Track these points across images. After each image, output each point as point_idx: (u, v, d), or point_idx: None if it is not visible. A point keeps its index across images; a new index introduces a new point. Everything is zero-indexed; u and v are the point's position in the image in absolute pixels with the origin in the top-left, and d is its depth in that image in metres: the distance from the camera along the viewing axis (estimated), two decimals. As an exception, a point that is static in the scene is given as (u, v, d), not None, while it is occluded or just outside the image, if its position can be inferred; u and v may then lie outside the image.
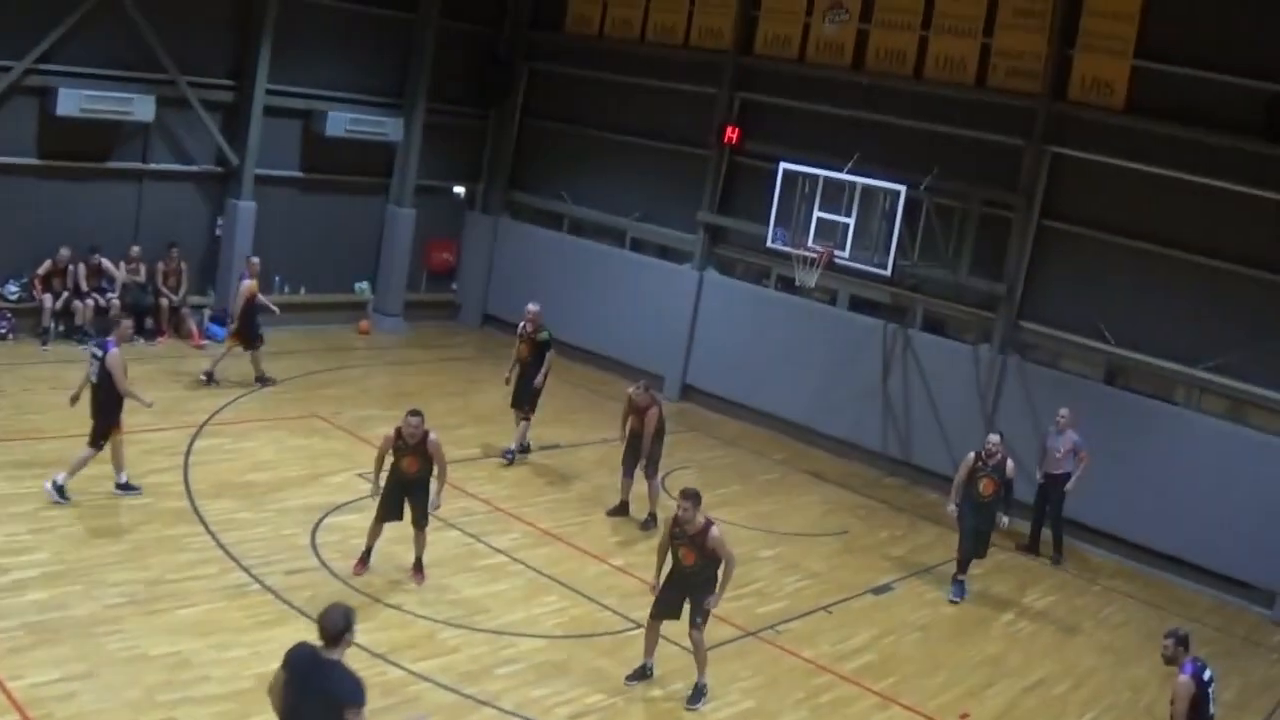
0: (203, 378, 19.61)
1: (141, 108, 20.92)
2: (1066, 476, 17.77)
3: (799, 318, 22.23)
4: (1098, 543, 18.80)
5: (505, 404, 18.76)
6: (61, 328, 20.55)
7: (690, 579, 11.93)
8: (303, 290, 24.21)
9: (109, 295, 20.95)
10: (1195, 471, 17.83)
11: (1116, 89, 18.76)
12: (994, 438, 15.90)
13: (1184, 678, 10.38)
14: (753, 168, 22.56)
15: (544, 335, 18.48)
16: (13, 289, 20.53)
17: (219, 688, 10.75)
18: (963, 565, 16.02)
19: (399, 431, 13.33)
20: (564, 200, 26.03)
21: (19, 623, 11.19)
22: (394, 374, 22.84)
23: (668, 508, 16.42)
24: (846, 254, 19.43)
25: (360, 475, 15.28)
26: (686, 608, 12.03)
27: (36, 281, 20.44)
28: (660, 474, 17.17)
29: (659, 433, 16.61)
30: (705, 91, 23.44)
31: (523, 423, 18.63)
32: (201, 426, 17.56)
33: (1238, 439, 17.74)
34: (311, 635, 7.79)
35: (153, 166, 22.07)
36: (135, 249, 21.50)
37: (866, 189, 19.27)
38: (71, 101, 20.15)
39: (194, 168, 22.68)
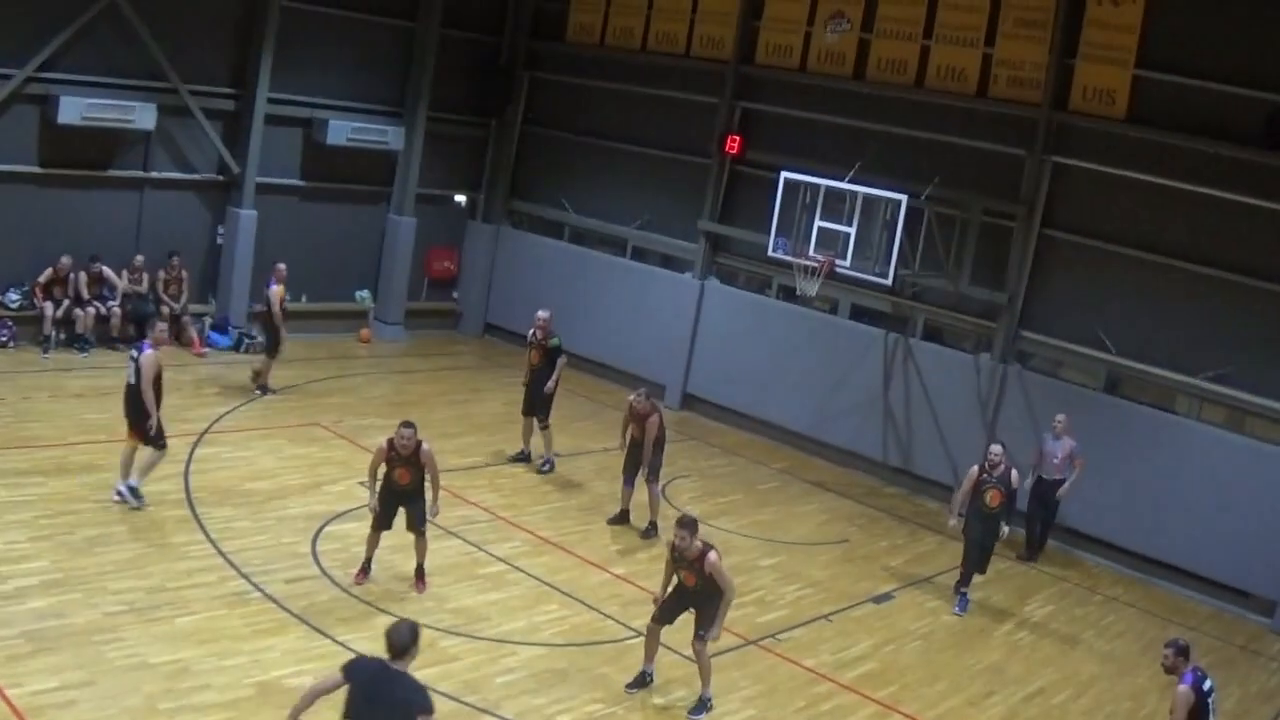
0: (258, 392, 20.01)
1: (143, 116, 20.93)
2: (1061, 482, 17.82)
3: (800, 327, 22.23)
4: (1098, 552, 18.80)
5: (506, 413, 18.78)
6: (62, 336, 20.55)
7: (694, 596, 12.01)
8: (304, 299, 24.16)
9: (110, 304, 20.97)
10: (1195, 481, 17.83)
11: (1118, 99, 18.77)
12: (996, 448, 15.82)
13: (1183, 687, 10.35)
14: (754, 177, 22.57)
15: (555, 341, 18.51)
16: (14, 297, 20.54)
17: (219, 696, 10.74)
18: (966, 578, 16.01)
19: (391, 443, 13.31)
20: (565, 209, 26.04)
21: (18, 631, 11.17)
22: (395, 382, 22.85)
23: (669, 516, 16.52)
24: (848, 263, 19.41)
25: (361, 484, 15.28)
26: (689, 617, 12.08)
27: (37, 290, 20.46)
28: (661, 483, 17.16)
29: (659, 441, 16.59)
30: (707, 101, 23.46)
31: (545, 431, 18.67)
32: (202, 435, 17.55)
33: (1238, 448, 17.72)
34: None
35: (154, 175, 22.09)
36: (139, 258, 21.52)
37: (868, 198, 19.24)
38: (73, 110, 20.18)
39: (195, 176, 22.70)
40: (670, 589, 12.17)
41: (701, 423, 23.06)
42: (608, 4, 25.24)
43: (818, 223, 19.61)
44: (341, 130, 23.78)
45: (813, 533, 18.21)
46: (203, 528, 14.35)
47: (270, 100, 22.86)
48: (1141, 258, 18.64)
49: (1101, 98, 18.93)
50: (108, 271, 21.10)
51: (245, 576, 13.24)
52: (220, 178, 22.95)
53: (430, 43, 25.00)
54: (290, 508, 15.47)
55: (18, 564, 12.56)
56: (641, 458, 16.54)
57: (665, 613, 12.18)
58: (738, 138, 22.80)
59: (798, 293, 20.64)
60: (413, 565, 13.82)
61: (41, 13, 19.98)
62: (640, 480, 16.69)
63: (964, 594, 16.00)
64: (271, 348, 20.16)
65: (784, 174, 20.19)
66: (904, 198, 18.95)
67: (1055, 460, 17.82)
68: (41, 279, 20.45)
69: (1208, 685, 10.52)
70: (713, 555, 11.75)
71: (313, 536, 14.66)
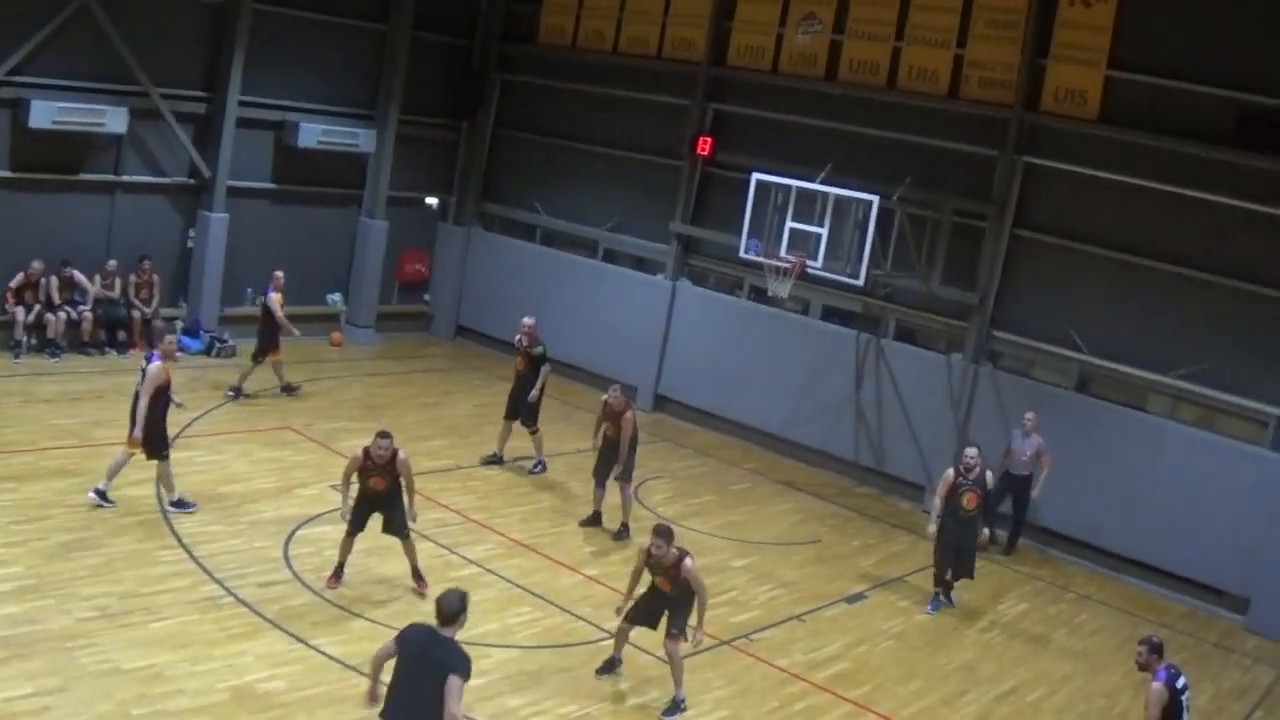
0: (285, 393, 20.40)
1: (114, 120, 20.82)
2: (1029, 478, 17.96)
3: (772, 328, 22.26)
4: (1071, 550, 18.88)
5: (478, 415, 18.76)
6: (34, 341, 20.42)
7: (669, 601, 12.09)
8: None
9: (81, 308, 20.85)
10: (1167, 478, 17.94)
11: (1089, 99, 18.88)
12: (971, 451, 15.84)
13: (1157, 685, 10.42)
14: (725, 178, 22.60)
15: (539, 349, 18.53)
16: (-15, 302, 20.44)
17: (192, 700, 10.70)
18: (940, 579, 16.05)
19: (367, 452, 13.30)
20: (537, 211, 26.02)
21: (-10, 637, 11.14)
22: (367, 385, 22.80)
23: (641, 518, 16.54)
24: (819, 264, 19.43)
25: (333, 487, 15.23)
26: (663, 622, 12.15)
27: (8, 294, 20.31)
28: (634, 484, 17.16)
29: (633, 441, 16.59)
30: (678, 102, 23.49)
31: (534, 435, 18.69)
32: (174, 439, 17.44)
33: (1209, 446, 17.82)
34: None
35: (125, 178, 21.97)
36: (111, 263, 21.39)
37: (839, 199, 19.29)
38: (44, 113, 20.05)
39: (166, 179, 22.58)
40: (645, 592, 12.22)
41: (673, 424, 23.07)
42: (579, 6, 25.26)
43: (789, 224, 19.62)
44: (312, 133, 23.69)
45: (785, 533, 18.24)
46: (175, 533, 14.28)
47: (241, 103, 22.76)
48: (1113, 257, 18.76)
49: (1073, 98, 19.03)
50: (79, 276, 20.97)
51: (218, 581, 13.19)
52: (191, 181, 22.83)
53: (402, 45, 24.96)
54: (263, 511, 15.42)
55: (-11, 570, 12.50)
56: (615, 457, 16.49)
57: (641, 615, 12.21)
58: (709, 139, 22.86)
59: (769, 294, 20.68)
60: (386, 569, 13.81)
61: (13, 16, 19.84)
62: (612, 482, 16.69)
63: (938, 595, 16.06)
64: (259, 352, 20.14)
65: (755, 175, 20.19)
66: (875, 198, 18.99)
67: (1024, 458, 17.99)
68: (12, 284, 20.30)
69: (1181, 682, 10.59)
70: (688, 562, 11.84)
71: (285, 541, 14.61)
